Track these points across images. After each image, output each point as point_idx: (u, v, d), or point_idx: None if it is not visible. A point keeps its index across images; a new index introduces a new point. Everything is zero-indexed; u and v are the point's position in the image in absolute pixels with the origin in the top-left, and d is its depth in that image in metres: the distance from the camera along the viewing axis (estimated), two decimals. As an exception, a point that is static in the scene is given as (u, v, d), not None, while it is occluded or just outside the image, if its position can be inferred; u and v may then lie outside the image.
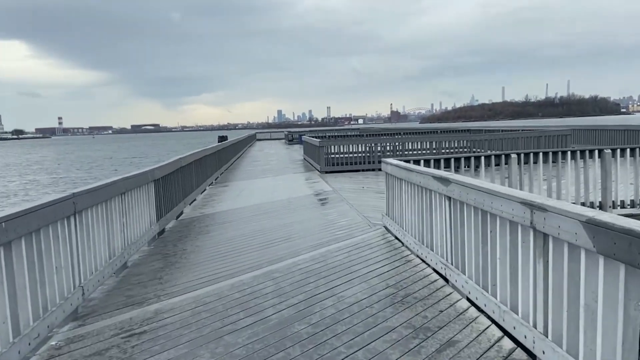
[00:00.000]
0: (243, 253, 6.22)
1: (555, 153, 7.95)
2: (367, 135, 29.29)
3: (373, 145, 16.90)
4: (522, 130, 18.63)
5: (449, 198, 4.46)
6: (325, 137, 26.28)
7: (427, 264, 5.18)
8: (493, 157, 7.45)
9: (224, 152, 19.18)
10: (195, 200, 11.24)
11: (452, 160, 7.31)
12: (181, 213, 9.47)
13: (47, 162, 63.68)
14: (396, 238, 6.49)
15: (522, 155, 7.50)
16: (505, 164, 7.75)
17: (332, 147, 16.73)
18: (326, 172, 16.10)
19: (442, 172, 4.69)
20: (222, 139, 46.25)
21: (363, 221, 7.80)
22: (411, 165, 5.71)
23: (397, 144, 17.32)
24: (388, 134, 30.07)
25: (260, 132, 66.34)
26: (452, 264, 4.47)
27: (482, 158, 7.59)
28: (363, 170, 16.36)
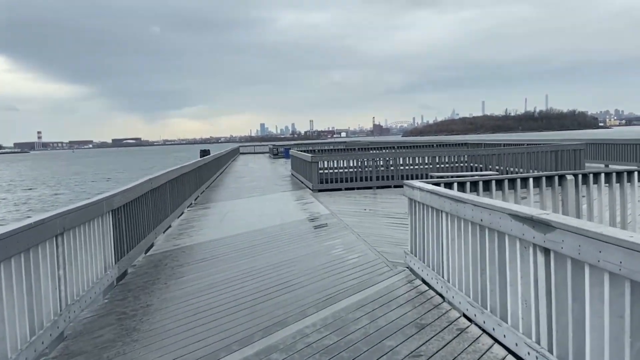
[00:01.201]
0: (227, 313, 4.58)
1: (608, 174, 6.48)
2: (358, 149, 27.87)
3: (368, 160, 15.40)
4: (528, 144, 17.38)
5: (546, 251, 2.94)
6: (315, 151, 24.79)
7: (495, 339, 3.62)
8: (531, 179, 5.95)
9: (206, 168, 17.50)
10: (170, 227, 9.54)
11: (493, 182, 5.80)
12: (151, 246, 7.79)
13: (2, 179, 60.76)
14: (430, 287, 4.94)
15: (580, 177, 6.02)
16: (529, 186, 6.27)
17: (325, 162, 15.19)
18: (319, 191, 14.53)
19: (529, 210, 3.16)
20: (204, 153, 44.43)
21: (378, 258, 6.23)
22: (462, 195, 4.17)
23: (388, 159, 15.75)
24: (378, 147, 28.70)
25: (244, 146, 64.60)
26: (552, 352, 2.92)
27: (519, 180, 6.05)
28: (358, 189, 14.84)
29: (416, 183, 5.34)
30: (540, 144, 16.43)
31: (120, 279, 6.00)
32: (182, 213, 11.29)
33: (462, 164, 16.37)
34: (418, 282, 5.22)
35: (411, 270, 5.57)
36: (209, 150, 49.23)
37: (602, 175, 5.99)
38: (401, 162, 15.62)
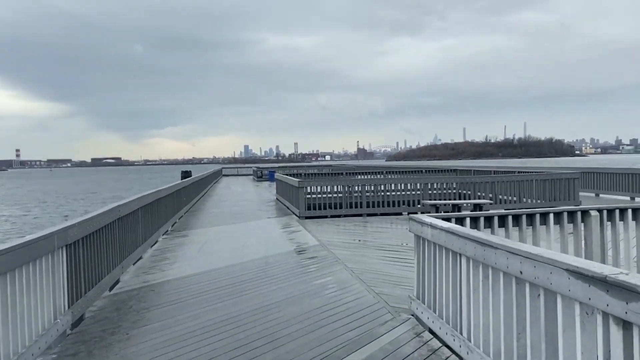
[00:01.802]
0: (200, 378, 3.71)
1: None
2: (345, 173, 27.22)
3: (357, 186, 14.66)
4: (519, 172, 16.91)
5: (626, 324, 2.19)
6: (301, 175, 24.04)
7: None
8: (552, 215, 5.24)
9: (185, 192, 16.58)
10: (140, 258, 8.60)
11: (510, 218, 5.08)
12: (117, 282, 6.86)
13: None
14: (443, 343, 4.15)
15: (605, 213, 5.33)
16: (549, 222, 5.57)
17: (313, 187, 14.42)
18: (306, 218, 13.72)
19: (599, 267, 2.42)
20: (185, 174, 43.32)
21: (377, 302, 5.43)
22: (492, 239, 3.42)
23: (378, 185, 14.94)
24: (365, 172, 28.11)
25: (227, 168, 63.60)
26: None
27: (538, 216, 5.34)
28: (347, 216, 14.08)
29: (426, 218, 4.59)
30: (533, 172, 15.96)
31: (76, 324, 5.08)
32: (156, 242, 10.34)
33: (451, 191, 15.79)
34: (427, 335, 4.43)
35: (418, 319, 4.78)
36: (190, 171, 48.18)
37: (629, 211, 5.31)
38: (392, 188, 14.94)
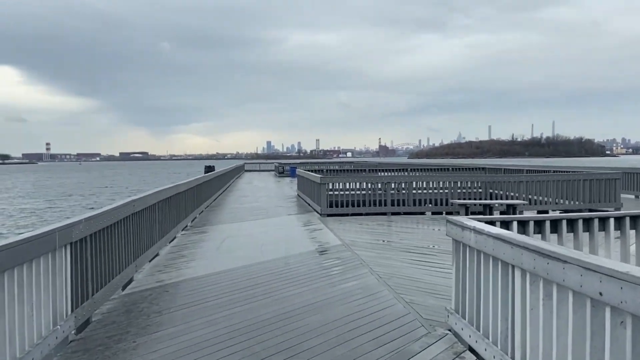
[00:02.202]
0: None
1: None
2: (368, 170, 26.61)
3: (382, 184, 14.06)
4: (554, 171, 16.06)
5: None
6: (323, 171, 23.54)
7: None
8: (628, 219, 4.62)
9: (207, 186, 16.27)
10: (157, 255, 8.24)
11: (564, 223, 4.47)
12: (130, 281, 6.49)
13: None
14: (489, 366, 3.61)
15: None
16: (625, 228, 4.93)
17: (335, 184, 13.91)
18: (328, 215, 13.23)
19: None
20: (208, 169, 43.44)
21: (408, 313, 4.90)
22: (561, 251, 2.85)
23: (402, 182, 14.24)
24: (388, 169, 27.44)
25: (249, 163, 63.66)
26: None
27: (612, 220, 4.70)
28: (370, 214, 13.53)
29: (469, 222, 4.03)
30: (571, 172, 15.10)
31: (82, 328, 4.70)
32: (175, 238, 9.99)
33: (478, 190, 15.00)
34: (470, 356, 3.88)
35: (456, 335, 4.24)
36: (213, 166, 48.29)
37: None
38: (417, 186, 14.30)
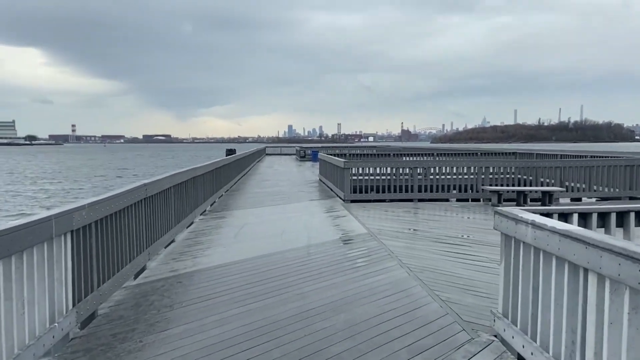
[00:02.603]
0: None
1: None
2: (393, 154, 25.89)
3: (408, 169, 13.39)
4: (592, 156, 15.13)
5: None
6: (346, 155, 22.95)
7: None
8: None
9: (226, 170, 15.87)
10: (173, 242, 7.85)
11: (631, 215, 3.86)
12: (142, 270, 6.09)
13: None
14: (548, 385, 3.05)
15: None
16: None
17: (359, 169, 13.33)
18: (351, 201, 12.69)
19: None
20: (229, 152, 43.20)
21: (447, 315, 4.36)
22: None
23: (429, 167, 13.47)
24: (414, 154, 26.66)
25: (270, 147, 63.35)
26: None
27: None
28: (396, 201, 12.93)
29: (525, 214, 3.44)
30: (610, 157, 14.16)
31: (86, 322, 4.30)
32: (192, 223, 9.61)
33: (508, 176, 14.14)
34: (523, 370, 3.33)
35: (505, 344, 3.68)
36: (235, 149, 48.11)
37: None
38: (447, 171, 13.61)
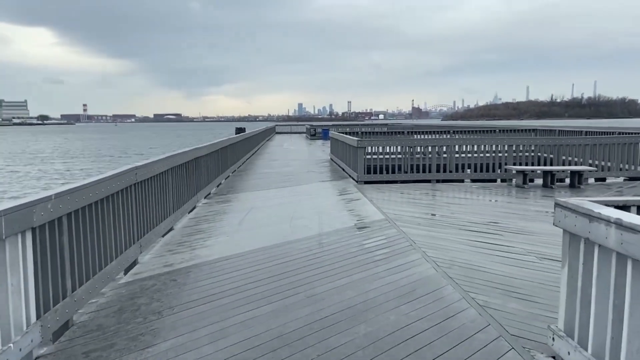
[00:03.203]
0: None
1: None
2: (408, 132, 24.93)
3: (425, 147, 12.52)
4: (620, 133, 14.10)
5: None
6: (359, 134, 22.07)
7: None
8: None
9: (233, 150, 15.14)
10: (171, 230, 7.17)
11: None
12: (133, 264, 5.41)
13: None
14: None
15: None
16: None
17: (374, 148, 12.50)
18: (365, 182, 11.92)
19: None
20: (239, 130, 42.54)
21: (488, 326, 3.60)
22: None
23: (446, 147, 12.52)
24: (428, 131, 25.66)
25: (280, 125, 62.42)
26: None
27: None
28: (412, 182, 12.13)
29: (603, 209, 2.64)
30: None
31: (59, 334, 3.63)
32: (195, 208, 8.91)
33: (527, 154, 13.15)
34: (601, 412, 2.57)
35: (569, 370, 2.93)
36: (244, 128, 47.40)
37: None
38: (467, 150, 12.74)
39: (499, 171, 12.21)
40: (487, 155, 12.59)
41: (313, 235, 6.63)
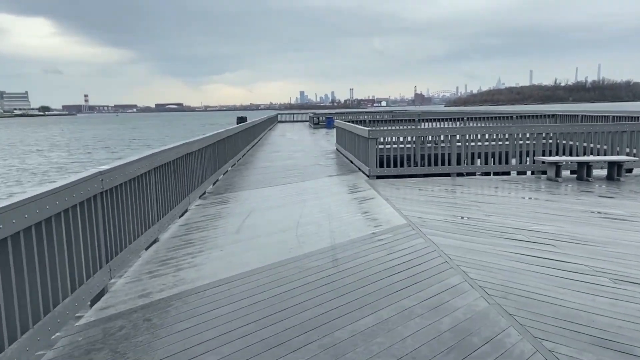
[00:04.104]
0: None
1: None
2: (418, 120, 23.66)
3: (444, 137, 11.32)
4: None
5: None
6: (365, 122, 20.84)
7: None
8: None
9: (232, 141, 13.98)
10: (156, 241, 6.05)
11: None
12: (100, 294, 4.29)
13: None
14: None
15: None
16: None
17: (386, 138, 11.32)
18: (377, 177, 10.78)
19: None
20: (240, 120, 41.34)
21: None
22: None
23: (471, 135, 11.28)
24: (437, 119, 24.37)
25: (282, 114, 61.07)
26: None
27: None
28: (430, 175, 10.97)
29: None
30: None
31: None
32: (186, 211, 7.79)
33: (551, 142, 11.89)
34: None
35: None
36: (246, 117, 46.20)
37: None
38: (492, 138, 11.53)
39: (526, 162, 11.02)
40: (508, 144, 11.36)
41: (324, 248, 5.50)
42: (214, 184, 10.71)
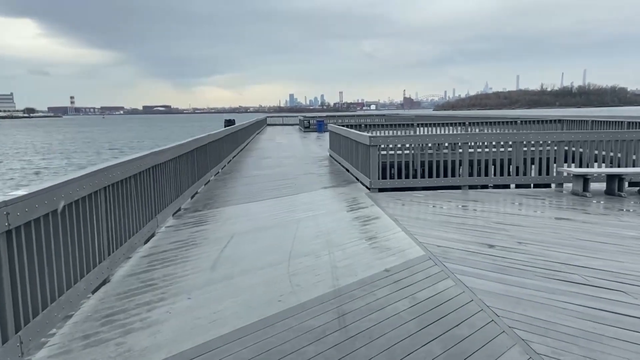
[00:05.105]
0: None
1: None
2: (418, 125, 22.45)
3: (454, 144, 10.07)
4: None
5: None
6: (360, 127, 19.59)
7: None
8: None
9: (215, 147, 12.62)
10: (106, 282, 4.69)
11: None
12: (1, 384, 2.93)
13: None
14: None
15: None
16: None
17: (389, 145, 10.04)
18: (379, 190, 9.49)
19: None
20: (228, 123, 39.95)
21: None
22: None
23: (480, 144, 9.93)
24: (433, 124, 23.16)
25: (272, 117, 59.64)
26: None
27: None
28: (438, 188, 9.70)
29: None
30: None
31: None
32: (153, 235, 6.42)
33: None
34: None
35: None
36: (234, 120, 44.79)
37: None
38: (500, 145, 10.27)
39: (548, 174, 9.80)
40: (526, 150, 10.13)
41: (325, 295, 4.19)
42: (192, 197, 9.34)
